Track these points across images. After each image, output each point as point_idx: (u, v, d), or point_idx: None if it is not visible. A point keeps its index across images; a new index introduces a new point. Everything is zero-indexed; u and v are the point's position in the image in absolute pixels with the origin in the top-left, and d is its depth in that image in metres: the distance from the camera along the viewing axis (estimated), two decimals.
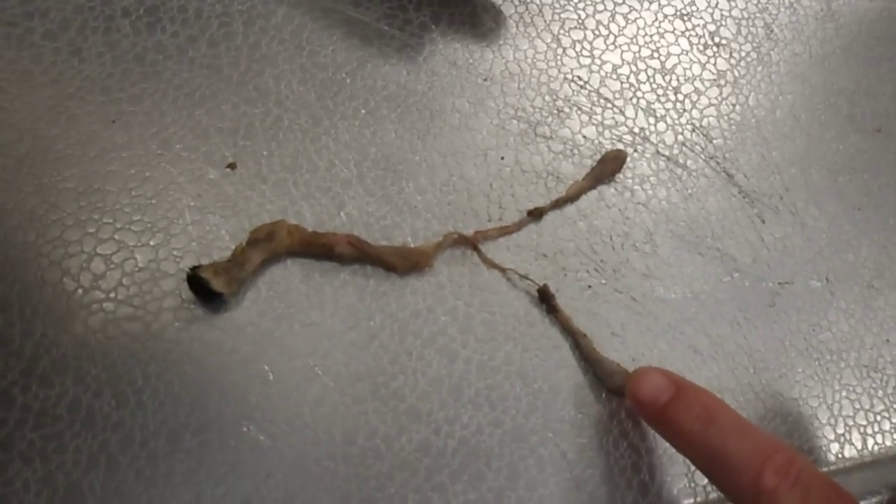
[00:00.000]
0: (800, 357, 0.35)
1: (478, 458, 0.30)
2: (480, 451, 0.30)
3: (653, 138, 0.38)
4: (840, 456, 0.34)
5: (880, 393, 0.36)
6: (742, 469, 0.26)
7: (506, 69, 0.38)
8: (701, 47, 0.41)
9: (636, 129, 0.38)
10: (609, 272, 0.34)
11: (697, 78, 0.41)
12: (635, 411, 0.31)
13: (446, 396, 0.31)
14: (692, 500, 0.32)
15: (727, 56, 0.42)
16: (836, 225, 0.39)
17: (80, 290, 0.29)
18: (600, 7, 0.41)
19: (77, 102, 0.32)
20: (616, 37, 0.40)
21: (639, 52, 0.40)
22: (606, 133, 0.37)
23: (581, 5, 0.40)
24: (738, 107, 0.40)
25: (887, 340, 0.37)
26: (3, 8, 0.33)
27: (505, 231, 0.34)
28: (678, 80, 0.40)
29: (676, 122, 0.39)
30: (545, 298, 0.33)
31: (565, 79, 0.38)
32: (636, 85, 0.39)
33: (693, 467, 0.32)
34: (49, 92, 0.32)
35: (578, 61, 0.39)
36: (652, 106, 0.39)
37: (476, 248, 0.33)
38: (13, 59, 0.32)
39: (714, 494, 0.32)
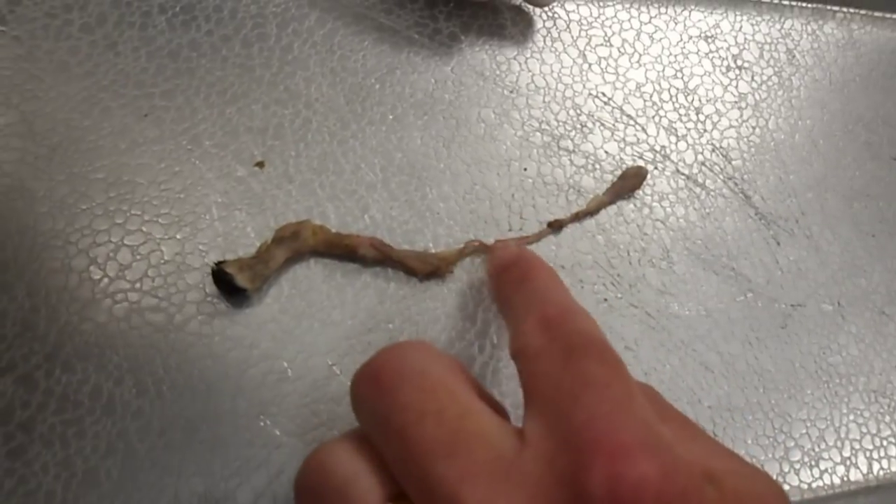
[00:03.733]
0: (809, 379, 0.36)
1: None
2: None
3: (673, 157, 0.39)
4: (845, 479, 0.35)
5: (888, 418, 0.36)
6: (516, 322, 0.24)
7: (532, 82, 0.38)
8: (723, 69, 0.42)
9: (657, 147, 0.39)
10: (625, 286, 0.35)
11: (719, 99, 0.41)
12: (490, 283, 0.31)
13: None
14: None
15: (749, 79, 0.42)
16: (850, 250, 0.40)
17: (105, 279, 0.29)
18: (626, 26, 0.41)
19: (111, 95, 0.32)
20: (641, 55, 0.41)
21: (663, 71, 0.41)
22: (628, 150, 0.38)
23: (608, 23, 0.41)
24: (757, 129, 0.41)
25: None
26: (44, 0, 0.33)
27: (525, 241, 0.34)
28: (700, 100, 0.41)
29: (697, 141, 0.39)
30: None
31: (590, 94, 0.39)
32: (659, 104, 0.40)
33: None
34: (84, 84, 0.32)
35: (603, 78, 0.39)
36: (673, 125, 0.39)
37: None
38: (50, 50, 0.32)
39: None
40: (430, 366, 0.22)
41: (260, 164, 0.33)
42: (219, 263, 0.30)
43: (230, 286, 0.29)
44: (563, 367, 0.21)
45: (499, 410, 0.23)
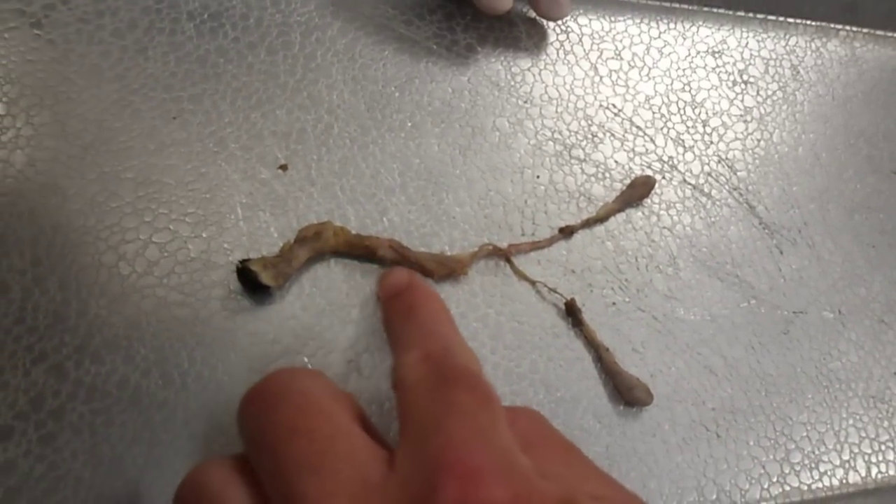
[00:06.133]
0: (810, 384, 0.37)
1: None
2: None
3: (680, 167, 0.40)
4: (844, 481, 0.36)
5: (886, 423, 0.37)
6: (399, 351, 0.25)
7: (545, 93, 0.39)
8: (730, 83, 0.43)
9: (665, 158, 0.40)
10: (633, 291, 0.36)
11: (725, 112, 0.42)
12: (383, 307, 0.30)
13: None
14: None
15: (754, 93, 0.44)
16: (851, 260, 0.41)
17: (134, 275, 0.30)
18: (637, 40, 0.42)
19: (140, 98, 0.33)
20: (650, 69, 0.42)
21: (671, 84, 0.42)
22: (637, 159, 0.39)
23: (619, 37, 0.42)
24: (762, 142, 0.42)
25: (895, 373, 0.38)
26: (77, 5, 0.34)
27: (537, 246, 0.35)
28: (707, 113, 0.42)
29: (704, 153, 0.41)
30: (572, 312, 0.34)
31: (601, 106, 0.40)
32: (667, 116, 0.41)
33: (704, 481, 0.33)
34: (115, 87, 0.33)
35: (614, 90, 0.41)
36: (681, 136, 0.41)
37: (509, 260, 0.35)
38: (83, 54, 0.33)
39: None
40: (312, 388, 0.22)
41: (283, 167, 0.34)
42: (243, 261, 0.31)
43: (254, 283, 0.30)
44: (434, 397, 0.21)
45: (380, 441, 0.23)
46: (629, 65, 0.42)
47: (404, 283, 0.29)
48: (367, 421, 0.24)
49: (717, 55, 0.44)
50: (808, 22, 0.47)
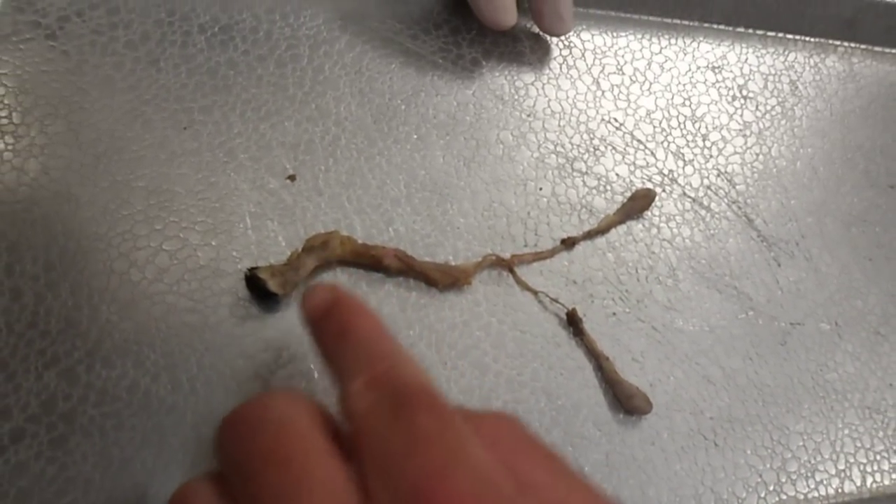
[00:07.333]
0: (807, 394, 0.37)
1: None
2: None
3: (680, 180, 0.40)
4: (840, 491, 0.36)
5: (881, 434, 0.38)
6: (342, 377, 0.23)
7: (548, 107, 0.40)
8: (729, 98, 0.44)
9: (665, 171, 0.40)
10: (633, 302, 0.37)
11: (725, 127, 0.43)
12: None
13: (476, 405, 0.32)
14: None
15: (753, 108, 0.44)
16: (848, 273, 0.41)
17: (144, 281, 0.31)
18: (638, 55, 0.43)
19: (152, 108, 0.34)
20: (651, 84, 0.43)
21: (672, 99, 0.43)
22: (638, 173, 0.40)
23: (621, 52, 0.43)
24: (761, 156, 0.43)
25: (890, 384, 0.39)
26: (91, 17, 0.35)
27: (539, 257, 0.36)
28: (707, 127, 0.43)
29: (703, 166, 0.41)
30: (573, 322, 0.35)
31: (602, 120, 0.41)
32: (668, 130, 0.42)
33: (701, 489, 0.34)
34: (127, 97, 0.34)
35: (615, 104, 0.41)
36: (681, 150, 0.41)
37: (512, 271, 0.35)
38: (97, 65, 0.34)
39: None
40: (289, 415, 0.22)
41: (291, 178, 0.34)
42: (252, 269, 0.31)
43: (262, 291, 0.31)
44: (392, 424, 0.20)
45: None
46: (631, 79, 0.42)
47: (329, 300, 0.26)
48: (347, 438, 0.23)
49: (717, 70, 0.45)
50: (807, 38, 0.48)
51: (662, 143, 0.41)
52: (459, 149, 0.37)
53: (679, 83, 0.43)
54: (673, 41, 0.44)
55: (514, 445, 0.22)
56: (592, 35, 0.43)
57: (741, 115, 0.44)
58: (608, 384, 0.34)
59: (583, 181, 0.39)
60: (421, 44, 0.39)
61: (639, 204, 0.38)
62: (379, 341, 0.24)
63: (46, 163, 0.32)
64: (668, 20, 0.45)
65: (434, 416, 0.21)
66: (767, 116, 0.44)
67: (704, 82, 0.44)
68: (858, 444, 0.37)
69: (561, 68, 0.41)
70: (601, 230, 0.38)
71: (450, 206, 0.36)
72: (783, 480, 0.35)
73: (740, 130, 0.43)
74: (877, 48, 0.50)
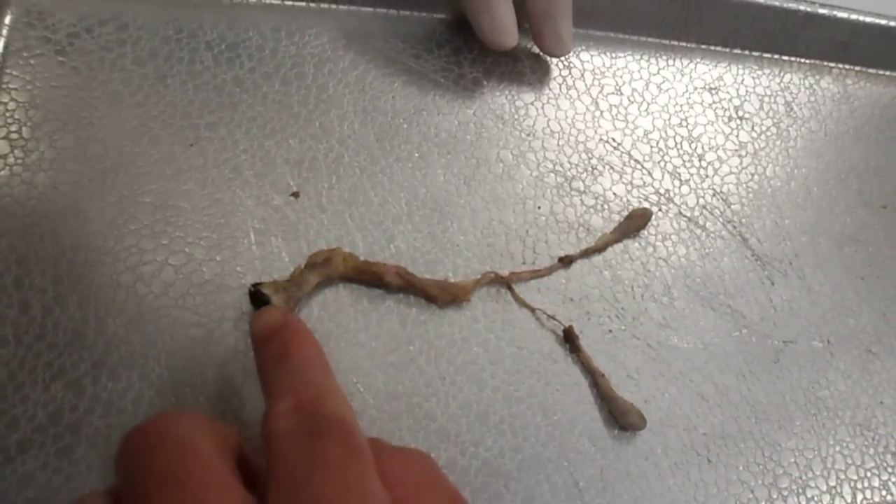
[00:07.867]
0: (799, 411, 0.38)
1: (498, 480, 0.32)
2: (500, 474, 0.32)
3: (676, 200, 0.41)
4: None
5: (871, 451, 0.38)
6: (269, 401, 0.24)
7: (547, 126, 0.41)
8: (725, 119, 0.45)
9: (662, 190, 0.41)
10: (629, 319, 0.37)
11: (721, 147, 0.44)
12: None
13: (473, 420, 0.33)
14: None
15: (749, 129, 0.45)
16: (840, 291, 0.42)
17: (150, 295, 0.31)
18: (636, 76, 0.44)
19: (159, 125, 0.34)
20: (649, 104, 0.43)
21: (669, 119, 0.43)
22: (634, 192, 0.40)
23: (619, 73, 0.44)
24: (756, 176, 0.44)
25: (881, 402, 0.39)
26: (100, 34, 0.35)
27: (537, 274, 0.37)
28: (703, 147, 0.43)
29: (699, 186, 0.42)
30: (569, 338, 0.35)
31: (601, 139, 0.41)
32: (664, 150, 0.42)
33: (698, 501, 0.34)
34: (135, 113, 0.34)
35: (613, 124, 0.42)
36: (678, 170, 0.42)
37: (510, 288, 0.36)
38: (105, 81, 0.34)
39: None
40: (191, 436, 0.22)
41: (295, 195, 0.35)
42: (256, 285, 0.32)
43: (266, 306, 0.31)
44: (303, 449, 0.21)
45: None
46: (629, 100, 0.43)
47: (277, 323, 0.27)
48: (249, 464, 0.24)
49: (713, 91, 0.45)
50: (803, 60, 0.49)
51: (659, 162, 0.42)
52: (460, 167, 0.38)
53: (676, 104, 0.44)
54: (671, 62, 0.45)
55: (417, 486, 0.23)
56: (591, 56, 0.44)
57: (737, 136, 0.44)
58: (603, 400, 0.35)
59: (580, 200, 0.39)
60: (423, 63, 0.40)
61: (635, 223, 0.39)
62: (313, 369, 0.25)
63: (55, 177, 0.32)
64: (666, 41, 0.45)
65: (344, 449, 0.21)
66: (763, 137, 0.45)
67: (701, 103, 0.45)
68: (849, 461, 0.38)
69: (560, 88, 0.42)
70: (598, 248, 0.38)
71: (450, 223, 0.36)
72: (775, 496, 0.36)
73: (736, 150, 0.44)
74: (871, 70, 0.50)
